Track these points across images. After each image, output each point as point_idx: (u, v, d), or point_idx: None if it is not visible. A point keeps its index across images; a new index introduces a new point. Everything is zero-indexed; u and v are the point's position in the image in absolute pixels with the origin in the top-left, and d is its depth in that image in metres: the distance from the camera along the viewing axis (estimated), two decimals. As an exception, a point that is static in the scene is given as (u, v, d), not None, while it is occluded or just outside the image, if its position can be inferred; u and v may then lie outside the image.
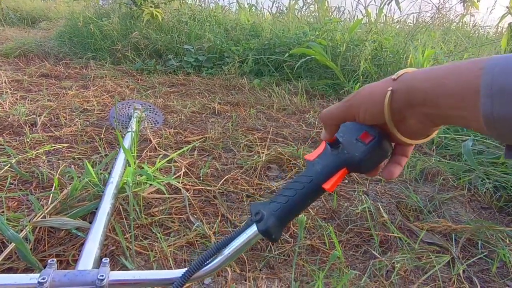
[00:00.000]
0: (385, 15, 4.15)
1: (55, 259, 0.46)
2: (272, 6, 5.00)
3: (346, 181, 1.22)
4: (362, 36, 2.99)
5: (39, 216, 0.72)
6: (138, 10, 3.50)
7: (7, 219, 0.67)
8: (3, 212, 0.78)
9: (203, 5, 4.56)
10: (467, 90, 0.25)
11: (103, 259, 0.50)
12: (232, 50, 3.13)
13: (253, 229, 0.45)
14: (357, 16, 4.32)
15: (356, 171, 0.43)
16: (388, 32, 3.18)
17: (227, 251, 0.46)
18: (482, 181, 1.28)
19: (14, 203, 0.83)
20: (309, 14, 4.29)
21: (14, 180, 0.96)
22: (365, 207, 0.98)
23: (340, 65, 2.64)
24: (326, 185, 0.43)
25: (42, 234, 0.71)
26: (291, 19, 3.99)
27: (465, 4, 4.74)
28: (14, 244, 0.63)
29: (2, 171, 0.96)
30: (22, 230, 0.68)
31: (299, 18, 3.75)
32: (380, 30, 3.11)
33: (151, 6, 3.48)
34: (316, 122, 1.89)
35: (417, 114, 0.31)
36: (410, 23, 4.18)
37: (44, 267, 0.46)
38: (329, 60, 2.56)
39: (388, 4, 4.06)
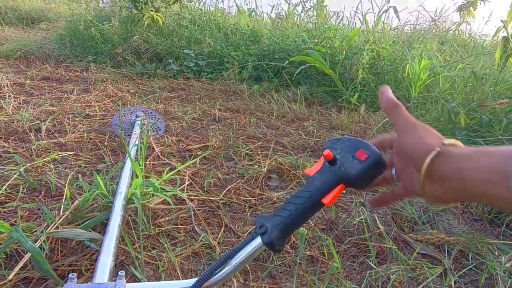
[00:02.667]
0: (383, 22, 4.22)
1: (75, 274, 0.49)
2: (272, 11, 5.05)
3: (344, 192, 1.26)
4: (360, 45, 3.04)
5: (52, 227, 0.75)
6: (139, 13, 3.53)
7: (21, 229, 0.70)
8: (16, 221, 0.81)
9: (203, 8, 4.59)
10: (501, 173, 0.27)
11: (119, 272, 0.54)
12: (232, 55, 3.17)
13: (258, 241, 0.49)
14: (355, 23, 4.38)
15: (352, 187, 0.48)
16: (386, 40, 3.24)
17: (234, 261, 0.50)
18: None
19: (25, 212, 0.86)
20: (308, 20, 4.34)
21: (23, 188, 0.99)
22: (362, 219, 1.03)
23: (339, 73, 2.69)
24: (325, 200, 0.47)
25: (55, 244, 0.74)
26: (290, 25, 4.03)
27: (462, 13, 4.84)
28: (29, 254, 0.66)
29: (11, 179, 0.99)
30: (36, 241, 0.71)
31: (298, 25, 3.79)
32: (377, 39, 3.17)
33: (151, 10, 3.51)
34: (315, 131, 1.93)
35: (446, 186, 0.32)
36: (408, 30, 4.25)
37: (64, 276, 0.49)
38: (328, 67, 2.60)
39: (386, 12, 4.13)
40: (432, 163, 0.32)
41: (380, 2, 3.99)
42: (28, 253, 0.67)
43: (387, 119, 2.07)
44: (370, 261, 0.91)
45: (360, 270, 0.90)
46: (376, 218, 1.03)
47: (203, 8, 4.55)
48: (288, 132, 1.91)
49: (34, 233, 0.75)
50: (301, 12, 4.80)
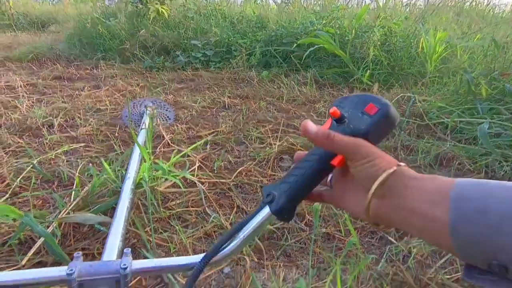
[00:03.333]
0: (394, -1, 4.05)
1: (80, 252, 0.48)
2: (277, -4, 4.95)
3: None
4: (370, 23, 2.93)
5: (63, 213, 0.75)
6: (144, 7, 3.52)
7: (34, 216, 0.70)
8: (29, 210, 0.81)
9: (207, -1, 4.54)
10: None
11: (124, 249, 0.53)
12: (239, 43, 3.12)
13: (266, 210, 0.46)
14: (364, 1, 4.24)
15: None
16: (397, 17, 3.11)
17: (243, 234, 0.47)
18: (499, 164, 1.26)
19: (39, 201, 0.87)
20: (315, 2, 4.22)
21: (37, 179, 1.00)
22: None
23: (349, 53, 2.60)
24: (335, 161, 0.43)
25: (68, 229, 0.74)
26: (297, 8, 3.93)
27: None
28: (42, 239, 0.66)
29: (25, 172, 1.00)
30: (49, 226, 0.71)
31: (305, 7, 3.70)
32: (388, 15, 3.05)
33: (156, 3, 3.50)
34: (327, 112, 1.88)
35: (389, 204, 0.32)
36: (421, 5, 4.07)
37: (71, 260, 0.49)
38: (338, 48, 2.52)
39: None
40: (387, 179, 0.32)
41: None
42: (41, 238, 0.67)
43: (401, 95, 1.99)
44: (390, 236, 0.87)
45: (379, 245, 0.86)
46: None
47: (207, -1, 4.50)
48: (299, 115, 1.87)
49: (46, 219, 0.75)
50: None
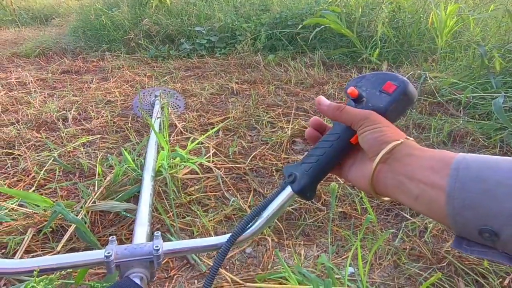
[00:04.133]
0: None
1: (115, 237, 0.51)
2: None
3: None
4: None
5: (89, 202, 0.78)
6: (146, -4, 3.48)
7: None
8: (57, 200, 0.85)
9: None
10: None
11: (155, 232, 0.55)
12: (243, 27, 3.08)
13: (288, 190, 0.47)
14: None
15: None
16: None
17: (266, 213, 0.49)
18: (514, 137, 1.25)
19: (64, 192, 0.91)
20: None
21: (59, 171, 1.03)
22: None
23: (356, 32, 2.56)
24: (354, 140, 0.45)
25: (95, 217, 0.78)
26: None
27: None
28: (73, 227, 0.69)
29: (48, 164, 1.04)
30: (77, 215, 0.74)
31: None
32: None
33: (158, -9, 3.45)
34: (336, 93, 1.87)
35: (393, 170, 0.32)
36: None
37: (106, 244, 0.51)
38: (344, 27, 2.48)
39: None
40: (393, 148, 0.32)
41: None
42: (72, 226, 0.71)
43: (411, 73, 1.96)
44: (405, 212, 0.89)
45: (395, 222, 0.88)
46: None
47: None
48: (308, 97, 1.86)
49: (74, 208, 0.78)
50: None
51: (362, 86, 0.46)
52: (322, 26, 2.56)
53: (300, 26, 2.70)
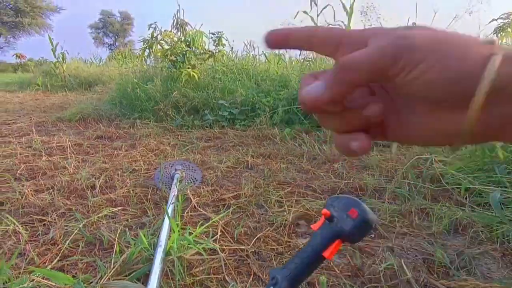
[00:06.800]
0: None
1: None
2: (300, 54, 5.31)
3: (373, 235, 1.27)
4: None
5: (105, 279, 0.88)
6: (177, 71, 3.93)
7: (81, 280, 0.83)
8: (76, 273, 0.95)
9: (234, 60, 4.97)
10: None
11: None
12: (263, 102, 3.36)
13: None
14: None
15: (348, 242, 0.55)
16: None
17: None
18: (516, 233, 1.26)
19: (84, 265, 1.01)
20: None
21: (82, 242, 1.15)
22: (388, 264, 1.03)
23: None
24: (326, 253, 0.55)
25: (107, 295, 0.86)
26: (318, 67, 4.21)
27: (499, 35, 4.70)
28: (87, 305, 0.78)
29: (73, 234, 1.16)
30: (92, 292, 0.83)
31: (324, 68, 3.94)
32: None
33: (188, 67, 3.90)
34: (345, 172, 1.97)
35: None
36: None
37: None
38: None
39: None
40: (494, 79, 0.19)
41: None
42: (85, 303, 0.80)
43: (416, 158, 2.04)
44: None
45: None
46: (403, 264, 1.03)
47: (234, 60, 4.92)
48: (318, 175, 1.96)
49: (90, 284, 0.88)
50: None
51: (335, 207, 0.58)
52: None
53: (314, 104, 2.92)
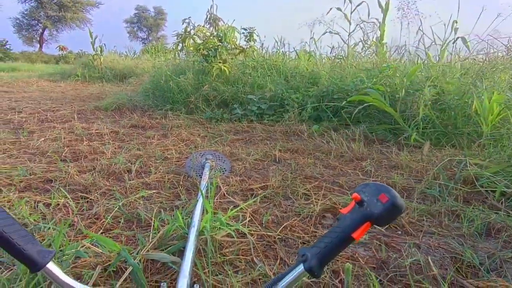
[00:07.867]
0: (451, 53, 4.05)
1: (165, 283, 0.66)
2: (331, 51, 5.25)
3: (400, 232, 1.27)
4: (423, 80, 2.99)
5: (144, 250, 0.95)
6: (209, 66, 4.02)
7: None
8: (119, 244, 1.04)
9: (265, 56, 4.99)
10: None
11: (194, 285, 0.69)
12: (292, 98, 3.37)
13: (300, 267, 0.61)
14: (418, 57, 4.29)
15: (376, 225, 0.58)
16: (452, 73, 3.13)
17: (282, 284, 0.63)
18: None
19: (124, 238, 1.10)
20: (366, 59, 4.39)
21: (122, 219, 1.25)
22: (414, 260, 1.04)
23: (400, 110, 2.68)
24: (355, 235, 0.58)
25: (145, 264, 0.94)
26: (349, 65, 4.13)
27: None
28: (130, 269, 0.86)
29: (113, 211, 1.26)
30: (134, 260, 0.91)
31: (355, 66, 3.89)
32: (441, 74, 3.09)
33: (219, 62, 3.98)
34: (373, 170, 1.96)
35: None
36: (480, 61, 4.00)
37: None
38: (387, 105, 2.62)
39: (454, 43, 3.98)
40: None
41: (443, 35, 3.90)
42: (129, 268, 0.87)
43: (449, 159, 1.99)
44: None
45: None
46: (430, 260, 1.03)
47: (265, 56, 4.95)
48: (345, 172, 1.96)
49: (131, 254, 0.96)
50: (361, 49, 4.90)
51: (365, 192, 0.61)
52: (366, 104, 2.73)
53: (345, 101, 2.90)
